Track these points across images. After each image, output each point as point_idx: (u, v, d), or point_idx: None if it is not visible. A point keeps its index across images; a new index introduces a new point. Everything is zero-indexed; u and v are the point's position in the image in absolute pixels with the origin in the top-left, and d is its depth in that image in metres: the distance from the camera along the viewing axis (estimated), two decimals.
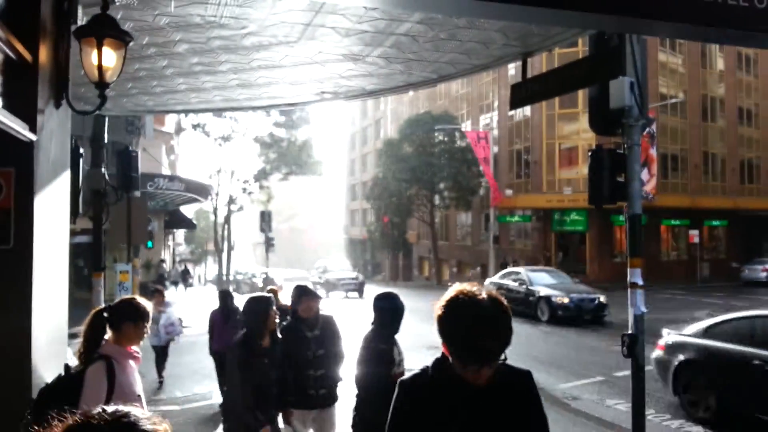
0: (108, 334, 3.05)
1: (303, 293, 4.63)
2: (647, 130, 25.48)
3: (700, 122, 35.08)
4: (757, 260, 30.23)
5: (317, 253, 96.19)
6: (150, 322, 3.19)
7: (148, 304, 3.16)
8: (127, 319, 3.02)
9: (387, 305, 4.39)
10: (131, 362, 3.03)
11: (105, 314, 3.07)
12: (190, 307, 19.75)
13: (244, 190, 37.84)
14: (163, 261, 25.71)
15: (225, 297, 7.90)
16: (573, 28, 4.94)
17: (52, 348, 3.15)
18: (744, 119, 37.40)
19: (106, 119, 8.27)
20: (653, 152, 27.59)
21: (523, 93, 6.22)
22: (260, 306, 4.25)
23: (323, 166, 40.09)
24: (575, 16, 3.44)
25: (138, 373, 3.11)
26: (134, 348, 3.08)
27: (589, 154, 6.36)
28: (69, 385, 2.90)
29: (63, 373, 3.13)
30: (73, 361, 3.28)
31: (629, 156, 6.06)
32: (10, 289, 2.84)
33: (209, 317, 7.81)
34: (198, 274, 59.77)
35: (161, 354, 9.62)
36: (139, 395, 3.01)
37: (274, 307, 4.30)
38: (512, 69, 31.17)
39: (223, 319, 7.58)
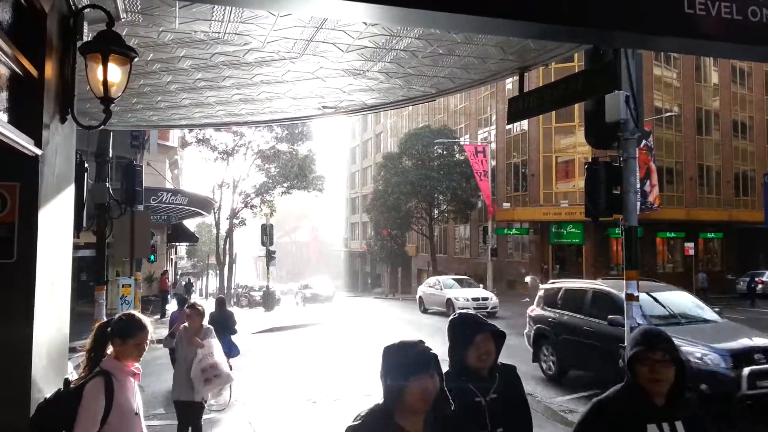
0: (110, 349, 3.05)
1: (478, 326, 2.62)
2: (644, 142, 25.73)
3: (695, 135, 35.34)
4: (751, 272, 30.37)
5: (318, 266, 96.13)
6: (147, 338, 3.03)
7: (144, 320, 3.07)
8: (115, 335, 2.98)
9: None
10: (131, 378, 3.02)
11: (108, 329, 3.06)
12: None
13: (246, 204, 38.00)
14: (164, 273, 25.63)
15: (183, 300, 9.88)
16: (569, 43, 5.02)
17: (52, 362, 3.14)
18: (738, 132, 37.68)
19: (111, 134, 8.36)
20: (652, 164, 27.80)
21: (520, 107, 6.30)
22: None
23: (325, 182, 40.22)
24: (571, 31, 3.51)
25: (138, 390, 3.10)
26: (135, 364, 3.06)
27: (586, 167, 6.43)
28: (67, 399, 2.89)
29: (62, 388, 3.12)
30: (74, 375, 3.27)
31: (625, 169, 6.13)
32: (12, 302, 2.83)
33: (170, 317, 9.30)
34: (199, 288, 59.73)
35: (192, 415, 5.90)
36: (137, 413, 2.99)
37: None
38: (509, 84, 31.45)
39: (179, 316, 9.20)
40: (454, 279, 25.22)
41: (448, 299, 21.92)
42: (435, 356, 2.08)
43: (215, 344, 5.81)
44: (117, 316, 3.19)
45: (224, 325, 9.65)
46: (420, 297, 25.28)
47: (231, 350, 9.67)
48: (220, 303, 10.26)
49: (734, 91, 37.44)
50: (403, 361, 2.06)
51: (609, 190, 6.31)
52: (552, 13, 3.22)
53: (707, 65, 36.40)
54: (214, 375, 5.56)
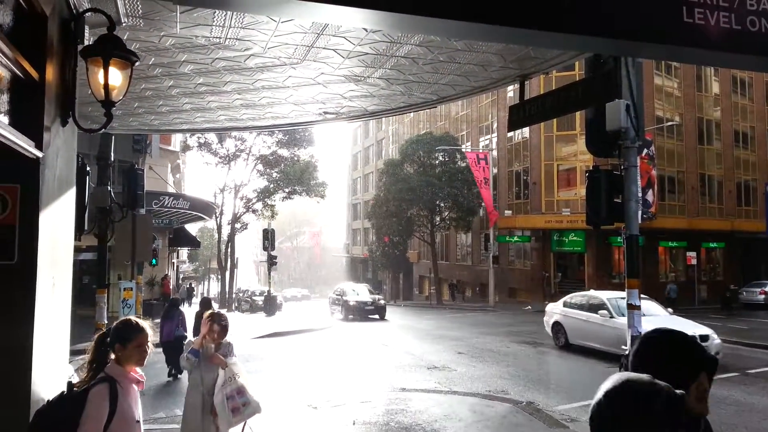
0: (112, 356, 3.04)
1: (706, 355, 1.90)
2: (646, 151, 25.75)
3: (696, 145, 35.36)
4: (754, 282, 30.28)
5: (319, 271, 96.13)
6: (148, 339, 3.01)
7: (141, 323, 3.06)
8: (116, 341, 2.97)
9: None
10: (134, 386, 3.01)
11: (107, 338, 3.04)
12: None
13: (248, 208, 38.09)
14: (165, 277, 25.63)
15: (175, 303, 11.90)
16: (569, 51, 5.03)
17: (53, 365, 3.14)
18: (740, 142, 37.70)
19: (113, 138, 8.40)
20: (654, 173, 27.87)
21: (521, 114, 6.32)
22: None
23: (327, 188, 40.26)
24: (570, 39, 3.52)
25: (139, 396, 3.09)
26: (138, 371, 3.06)
27: (587, 175, 6.43)
28: (70, 404, 2.88)
29: (65, 391, 3.11)
30: (75, 378, 3.26)
31: (626, 177, 6.14)
32: (12, 304, 2.83)
33: (161, 317, 11.36)
34: (200, 292, 59.91)
35: None
36: (138, 420, 2.98)
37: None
38: (511, 92, 31.58)
39: (168, 318, 11.17)
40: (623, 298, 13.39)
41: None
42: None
43: (239, 363, 4.85)
44: (114, 324, 3.19)
45: None
46: (557, 323, 15.39)
47: None
48: (206, 303, 11.21)
49: (735, 101, 37.49)
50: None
51: (610, 199, 6.31)
52: (551, 21, 3.23)
53: (708, 75, 36.46)
54: (243, 403, 4.52)
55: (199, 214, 25.95)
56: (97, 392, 2.79)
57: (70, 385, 3.07)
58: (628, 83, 5.78)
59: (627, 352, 5.91)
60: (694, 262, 30.98)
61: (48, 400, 2.92)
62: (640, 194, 7.13)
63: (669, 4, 3.32)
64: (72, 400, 2.88)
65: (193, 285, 48.21)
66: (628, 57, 5.65)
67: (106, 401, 2.77)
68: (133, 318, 3.14)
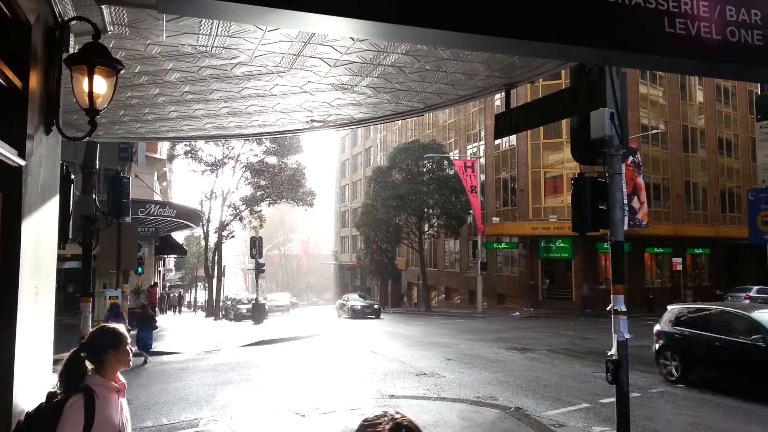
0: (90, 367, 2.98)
1: None
2: (632, 159, 26.01)
3: (681, 152, 35.86)
4: (739, 287, 30.66)
5: (308, 279, 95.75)
6: (129, 341, 3.02)
7: (116, 326, 3.04)
8: (111, 346, 2.93)
9: None
10: (116, 395, 2.97)
11: (83, 354, 2.94)
12: (184, 332, 19.34)
13: (236, 216, 37.92)
14: (154, 285, 25.32)
15: (116, 308, 13.42)
16: (554, 60, 5.09)
17: (35, 375, 3.10)
18: (724, 149, 38.30)
19: (98, 146, 8.34)
20: (641, 180, 28.14)
21: (507, 122, 6.36)
22: None
23: (315, 197, 40.13)
24: (554, 48, 3.56)
25: (126, 405, 3.05)
26: (120, 378, 3.02)
27: (572, 182, 6.48)
28: (49, 415, 2.84)
29: (44, 402, 3.06)
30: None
31: (611, 184, 6.19)
32: None
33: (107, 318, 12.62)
34: (188, 300, 59.40)
35: None
36: (120, 430, 2.94)
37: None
38: (498, 100, 31.79)
39: (113, 318, 12.28)
40: None
41: None
42: None
43: None
44: (89, 336, 3.14)
45: (146, 321, 14.45)
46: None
47: (149, 341, 14.28)
48: (143, 307, 15.54)
49: (719, 110, 38.11)
50: None
51: (595, 205, 6.36)
52: (535, 31, 3.27)
53: (692, 84, 37.03)
54: None
55: (186, 222, 25.78)
56: (72, 405, 2.76)
57: (49, 395, 3.03)
58: (612, 92, 5.84)
59: (612, 356, 5.91)
60: (680, 267, 31.35)
61: (27, 413, 2.87)
62: (625, 201, 7.19)
63: (651, 15, 3.38)
64: (50, 411, 2.84)
65: (182, 293, 47.89)
66: (612, 66, 5.72)
67: (80, 413, 2.73)
68: (107, 324, 3.12)
